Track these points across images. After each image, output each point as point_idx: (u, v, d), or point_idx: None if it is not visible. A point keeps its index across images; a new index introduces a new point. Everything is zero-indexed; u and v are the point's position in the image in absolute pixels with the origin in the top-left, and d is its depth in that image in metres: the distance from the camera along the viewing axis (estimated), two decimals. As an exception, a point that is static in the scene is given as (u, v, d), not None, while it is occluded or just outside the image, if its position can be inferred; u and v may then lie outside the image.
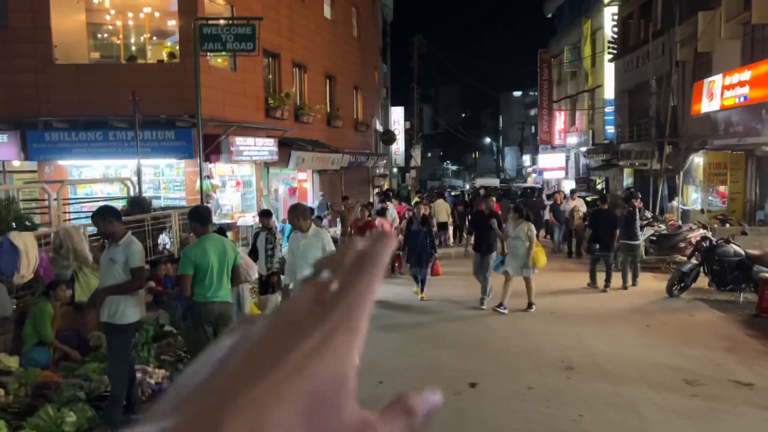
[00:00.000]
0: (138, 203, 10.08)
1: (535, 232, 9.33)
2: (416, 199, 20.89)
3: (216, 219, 13.42)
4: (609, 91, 26.19)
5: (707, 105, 15.08)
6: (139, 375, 5.84)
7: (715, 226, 13.04)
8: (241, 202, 15.16)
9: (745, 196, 16.12)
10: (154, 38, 16.21)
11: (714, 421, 5.19)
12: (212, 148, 13.17)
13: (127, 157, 12.74)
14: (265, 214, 8.76)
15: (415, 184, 32.96)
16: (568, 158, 34.34)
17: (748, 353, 6.96)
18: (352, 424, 0.32)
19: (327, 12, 20.99)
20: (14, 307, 6.76)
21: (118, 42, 15.57)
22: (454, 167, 76.71)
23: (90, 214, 5.64)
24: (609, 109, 26.20)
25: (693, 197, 18.47)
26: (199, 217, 5.22)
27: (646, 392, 5.74)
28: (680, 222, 14.95)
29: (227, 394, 0.31)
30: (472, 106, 75.61)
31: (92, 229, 6.92)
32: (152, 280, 8.40)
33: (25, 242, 6.66)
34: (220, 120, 13.41)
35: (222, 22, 11.27)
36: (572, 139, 32.49)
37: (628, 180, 24.24)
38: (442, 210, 16.86)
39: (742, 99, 13.41)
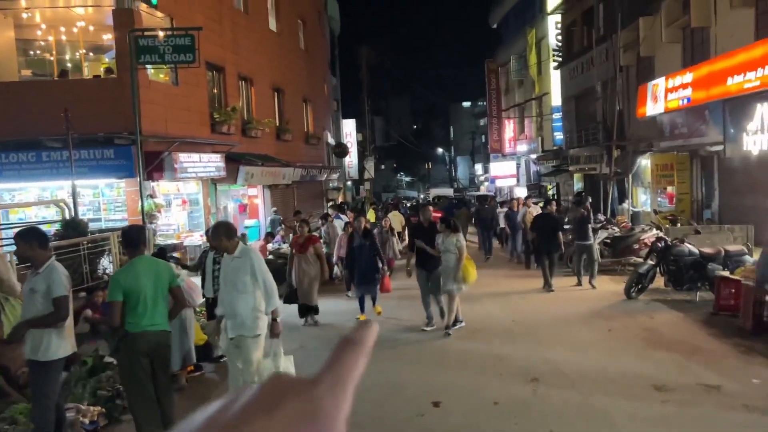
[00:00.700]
0: (73, 226, 9.44)
1: (464, 243, 8.56)
2: (371, 211, 20.59)
3: (160, 240, 12.81)
4: (556, 98, 26.57)
5: (652, 107, 15.32)
6: (71, 414, 5.30)
7: (667, 226, 13.16)
8: (187, 221, 14.53)
9: (692, 196, 16.43)
10: (91, 54, 15.50)
11: (687, 427, 5.01)
12: (154, 165, 12.58)
13: (63, 178, 12.03)
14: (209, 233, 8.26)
15: (369, 196, 32.71)
16: (519, 165, 34.73)
17: (711, 354, 6.87)
18: None
19: (272, 24, 20.60)
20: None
21: (51, 58, 14.81)
22: (408, 178, 76.91)
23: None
24: (557, 115, 26.57)
25: (642, 199, 18.76)
26: (127, 238, 4.74)
27: (616, 401, 5.53)
28: (631, 224, 15.10)
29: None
30: (422, 118, 76.14)
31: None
32: (89, 307, 7.81)
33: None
34: (162, 136, 12.83)
35: (159, 33, 10.74)
36: (522, 147, 32.86)
37: (578, 185, 24.55)
38: (396, 221, 16.61)
39: (685, 101, 13.65)
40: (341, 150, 29.34)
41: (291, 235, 15.41)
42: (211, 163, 14.19)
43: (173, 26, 13.37)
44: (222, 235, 5.30)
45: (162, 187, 13.86)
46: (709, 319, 8.47)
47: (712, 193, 15.67)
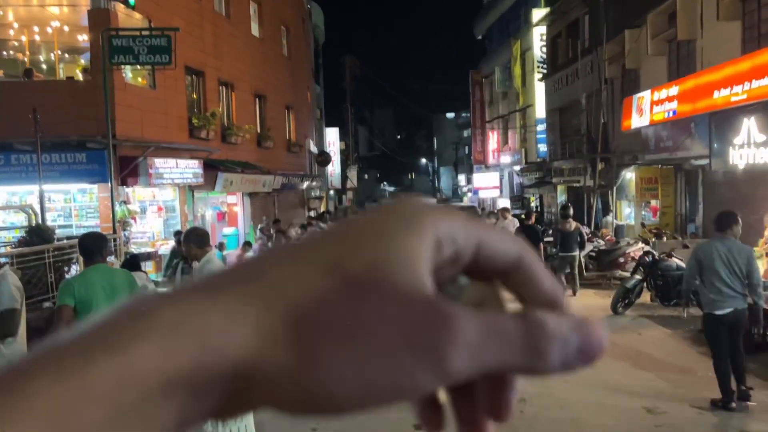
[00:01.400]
0: (38, 233, 8.96)
1: None
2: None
3: (134, 248, 12.36)
4: (540, 110, 26.52)
5: (637, 120, 15.23)
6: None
7: (653, 240, 13.01)
8: (163, 228, 14.09)
9: (675, 210, 16.34)
10: (66, 55, 15.05)
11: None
12: (129, 170, 12.19)
13: (33, 183, 11.55)
14: (181, 239, 7.84)
15: (352, 206, 32.40)
16: (502, 177, 34.65)
17: (702, 373, 6.62)
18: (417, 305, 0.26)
19: (255, 30, 20.28)
20: None
21: (25, 59, 14.34)
22: (392, 189, 76.79)
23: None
24: (541, 127, 26.52)
25: (626, 212, 18.67)
26: (82, 247, 4.35)
27: (608, 424, 5.25)
28: (615, 237, 14.94)
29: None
30: (406, 128, 76.20)
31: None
32: (52, 319, 7.37)
33: None
34: (138, 141, 12.43)
35: (135, 32, 10.37)
36: (506, 158, 32.79)
37: (561, 197, 24.44)
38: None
39: (671, 114, 13.55)
40: (324, 159, 29.01)
41: (270, 244, 15.07)
42: (189, 169, 13.80)
43: (151, 27, 13.01)
44: (192, 242, 4.92)
45: (137, 193, 13.43)
46: (698, 337, 8.23)
47: (696, 207, 15.58)
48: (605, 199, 18.73)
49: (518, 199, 29.85)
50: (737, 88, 10.95)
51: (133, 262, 7.37)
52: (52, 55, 14.64)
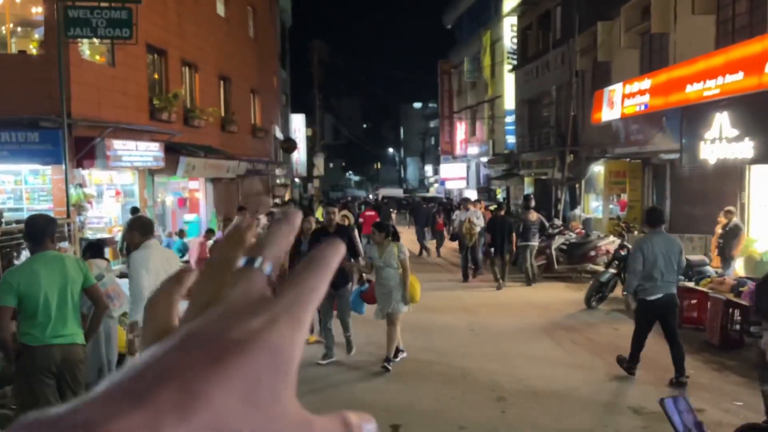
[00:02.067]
0: (-17, 216, 8.34)
1: (407, 254, 6.83)
2: (320, 210, 19.79)
3: (90, 234, 11.73)
4: (509, 102, 26.44)
5: (608, 113, 15.18)
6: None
7: (624, 233, 12.97)
8: (121, 213, 13.41)
9: (643, 204, 16.40)
10: (18, 29, 14.15)
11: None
12: (85, 152, 11.51)
13: (-21, 163, 10.83)
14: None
15: (318, 194, 31.86)
16: (469, 168, 34.58)
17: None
18: (292, 416, 0.31)
19: (220, 9, 19.54)
20: None
21: (-28, 31, 13.41)
22: (357, 178, 76.25)
23: None
24: (509, 119, 26.44)
25: (594, 205, 18.71)
26: (30, 230, 3.87)
27: (595, 425, 5.04)
28: (584, 230, 14.91)
29: (159, 367, 0.30)
30: (373, 117, 75.60)
31: None
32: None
33: None
34: (95, 120, 11.76)
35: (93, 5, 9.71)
36: (473, 149, 32.70)
37: (528, 189, 24.44)
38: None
39: (642, 107, 13.50)
40: (289, 145, 28.34)
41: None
42: (149, 152, 13.16)
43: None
44: (135, 229, 4.58)
45: (94, 176, 12.74)
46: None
47: (663, 202, 15.65)
48: (573, 192, 18.74)
49: (485, 190, 29.80)
50: (710, 83, 10.91)
51: (97, 248, 6.84)
52: (2, 28, 13.74)
